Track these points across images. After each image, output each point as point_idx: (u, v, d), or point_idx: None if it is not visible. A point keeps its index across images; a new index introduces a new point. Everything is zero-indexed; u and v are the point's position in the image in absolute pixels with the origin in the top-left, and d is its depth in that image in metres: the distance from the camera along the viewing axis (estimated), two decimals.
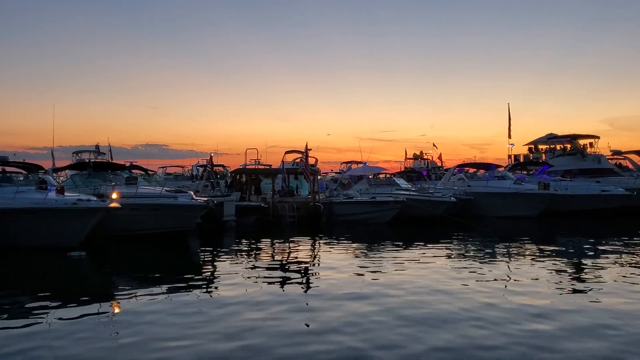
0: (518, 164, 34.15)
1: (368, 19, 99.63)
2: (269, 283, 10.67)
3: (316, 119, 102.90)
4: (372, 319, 7.80)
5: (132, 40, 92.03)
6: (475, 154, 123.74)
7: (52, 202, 14.25)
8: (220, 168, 38.63)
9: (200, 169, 37.99)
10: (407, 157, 49.18)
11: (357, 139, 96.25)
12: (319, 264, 13.64)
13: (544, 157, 37.70)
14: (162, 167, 42.23)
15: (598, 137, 35.57)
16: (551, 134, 41.03)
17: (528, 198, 25.15)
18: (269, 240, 18.03)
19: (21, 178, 17.20)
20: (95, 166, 19.40)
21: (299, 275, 11.62)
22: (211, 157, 27.95)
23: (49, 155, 39.69)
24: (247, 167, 30.24)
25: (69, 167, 20.99)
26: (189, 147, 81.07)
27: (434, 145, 46.08)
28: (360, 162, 43.33)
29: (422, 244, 16.59)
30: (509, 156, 42.12)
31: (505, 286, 10.49)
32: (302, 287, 10.43)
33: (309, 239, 18.14)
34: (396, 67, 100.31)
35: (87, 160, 22.27)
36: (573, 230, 21.12)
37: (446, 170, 38.54)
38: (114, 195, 15.31)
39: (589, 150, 35.51)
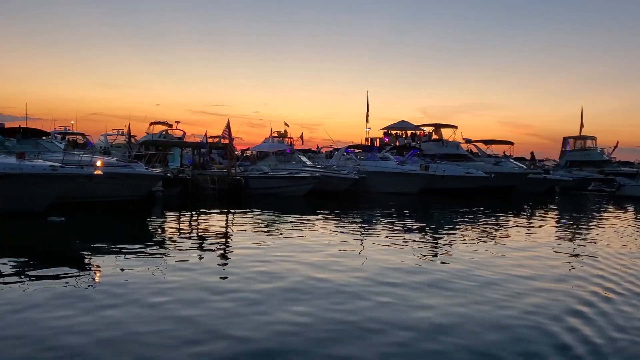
0: (394, 148, 38.72)
1: None
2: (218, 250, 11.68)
3: (142, 87, 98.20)
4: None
5: None
6: (307, 134, 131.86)
7: (28, 168, 14.00)
8: (80, 137, 36.19)
9: (59, 137, 34.61)
10: (272, 134, 50.77)
11: (188, 112, 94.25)
12: (267, 232, 14.88)
13: (387, 141, 43.37)
14: None
15: (456, 127, 41.68)
16: (403, 121, 46.81)
17: (411, 177, 29.45)
18: (202, 211, 19.01)
19: None
20: (25, 132, 19.01)
21: (252, 242, 13.25)
22: (129, 127, 27.81)
23: None
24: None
25: None
26: None
27: (285, 124, 47.95)
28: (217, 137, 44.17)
29: (348, 213, 19.53)
30: (366, 139, 47.09)
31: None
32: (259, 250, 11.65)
33: (239, 210, 19.46)
34: (229, 41, 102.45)
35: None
36: (449, 204, 25.55)
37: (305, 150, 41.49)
38: (99, 163, 15.63)
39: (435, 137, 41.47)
